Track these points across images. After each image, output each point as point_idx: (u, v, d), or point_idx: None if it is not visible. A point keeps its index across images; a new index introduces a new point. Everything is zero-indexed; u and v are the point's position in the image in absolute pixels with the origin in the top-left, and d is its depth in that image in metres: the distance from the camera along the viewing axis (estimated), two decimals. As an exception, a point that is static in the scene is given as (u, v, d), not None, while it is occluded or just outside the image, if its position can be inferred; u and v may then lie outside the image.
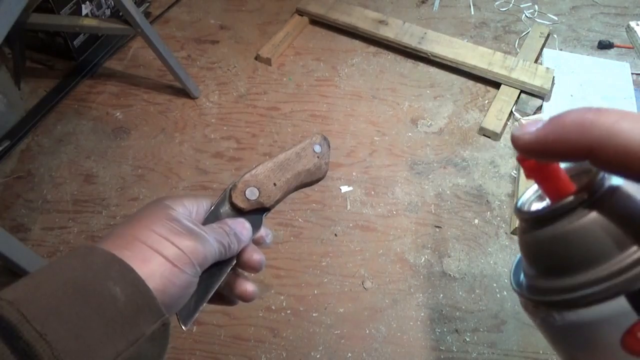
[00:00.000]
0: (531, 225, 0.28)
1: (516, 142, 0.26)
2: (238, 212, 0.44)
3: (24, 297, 0.26)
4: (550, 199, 0.29)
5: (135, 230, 0.34)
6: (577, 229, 0.25)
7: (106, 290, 0.27)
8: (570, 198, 0.26)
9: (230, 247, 0.39)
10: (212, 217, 0.43)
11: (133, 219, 0.36)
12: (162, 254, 0.33)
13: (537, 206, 0.31)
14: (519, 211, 0.30)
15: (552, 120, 0.25)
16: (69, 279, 0.27)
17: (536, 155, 0.26)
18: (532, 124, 0.26)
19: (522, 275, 0.31)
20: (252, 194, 0.44)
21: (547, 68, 1.72)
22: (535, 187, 0.32)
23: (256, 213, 0.45)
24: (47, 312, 0.25)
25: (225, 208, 0.44)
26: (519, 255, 0.32)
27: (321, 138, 0.48)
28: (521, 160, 0.28)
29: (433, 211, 1.44)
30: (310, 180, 0.48)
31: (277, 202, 0.46)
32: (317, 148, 0.48)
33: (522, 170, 1.54)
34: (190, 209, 0.40)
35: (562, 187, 0.28)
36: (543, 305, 0.27)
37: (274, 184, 0.45)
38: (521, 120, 1.64)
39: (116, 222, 1.44)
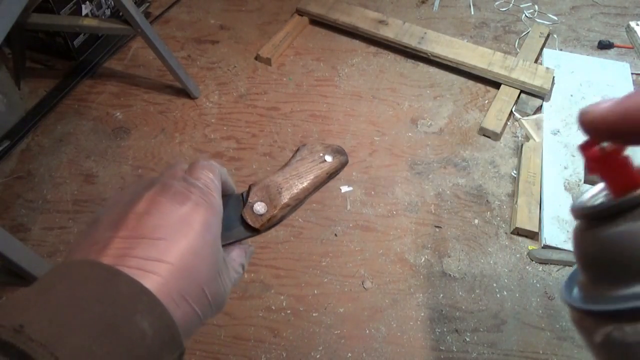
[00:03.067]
0: (592, 222, 0.25)
1: (587, 117, 0.23)
2: (245, 224, 0.40)
3: (56, 339, 0.25)
4: (615, 193, 0.25)
5: (182, 273, 0.31)
6: None
7: (135, 326, 0.27)
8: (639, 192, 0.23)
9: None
10: (226, 229, 0.38)
11: (188, 238, 0.31)
12: (198, 313, 0.32)
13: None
14: (578, 207, 0.26)
15: (635, 93, 0.22)
16: (99, 314, 0.26)
17: (608, 134, 0.23)
18: (606, 101, 0.22)
19: (575, 288, 0.27)
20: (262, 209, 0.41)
21: (547, 68, 1.72)
22: (597, 187, 0.28)
23: None
24: (81, 355, 0.25)
25: (239, 217, 0.40)
26: (574, 267, 0.29)
27: (336, 150, 0.47)
28: (584, 149, 0.25)
29: (433, 211, 1.44)
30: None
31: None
32: (328, 158, 0.46)
33: (522, 170, 1.54)
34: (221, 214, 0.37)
35: (630, 179, 0.24)
36: (591, 316, 0.23)
37: (287, 205, 0.42)
38: (521, 120, 1.64)
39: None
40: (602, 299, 0.23)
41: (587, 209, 0.25)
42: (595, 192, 0.28)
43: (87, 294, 0.27)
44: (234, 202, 0.40)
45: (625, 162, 0.24)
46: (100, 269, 0.28)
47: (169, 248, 0.31)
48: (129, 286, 0.28)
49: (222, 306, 0.35)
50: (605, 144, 0.24)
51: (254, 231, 0.40)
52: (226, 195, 0.41)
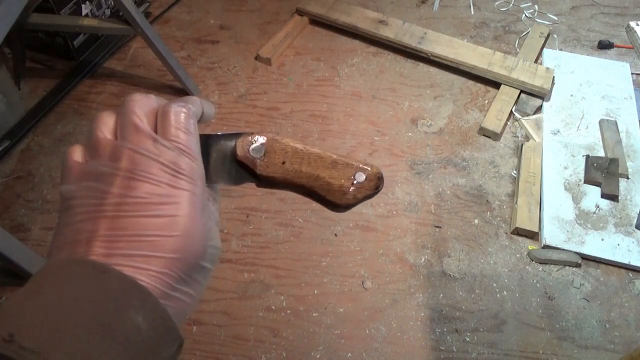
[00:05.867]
0: None
1: None
2: (231, 155, 0.36)
3: (49, 344, 0.23)
4: None
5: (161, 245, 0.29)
6: None
7: (129, 322, 0.26)
8: None
9: None
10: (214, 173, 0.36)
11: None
12: (193, 295, 0.31)
13: None
14: None
15: None
16: (91, 314, 0.25)
17: None
18: None
19: None
20: (257, 152, 0.37)
21: (547, 68, 1.72)
22: None
23: (237, 173, 0.37)
24: (76, 357, 0.24)
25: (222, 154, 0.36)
26: None
27: (375, 176, 0.40)
28: None
29: (433, 211, 1.44)
30: (323, 195, 0.41)
31: (268, 181, 0.38)
32: (360, 177, 0.40)
33: (522, 170, 1.54)
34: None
35: None
36: None
37: (283, 162, 0.38)
38: (521, 120, 1.64)
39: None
40: None
41: None
42: None
43: (77, 293, 0.26)
44: (221, 145, 0.36)
45: None
46: (88, 267, 0.27)
47: (155, 239, 0.29)
48: (120, 282, 0.27)
49: (216, 260, 0.33)
50: None
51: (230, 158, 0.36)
52: (209, 135, 0.36)
